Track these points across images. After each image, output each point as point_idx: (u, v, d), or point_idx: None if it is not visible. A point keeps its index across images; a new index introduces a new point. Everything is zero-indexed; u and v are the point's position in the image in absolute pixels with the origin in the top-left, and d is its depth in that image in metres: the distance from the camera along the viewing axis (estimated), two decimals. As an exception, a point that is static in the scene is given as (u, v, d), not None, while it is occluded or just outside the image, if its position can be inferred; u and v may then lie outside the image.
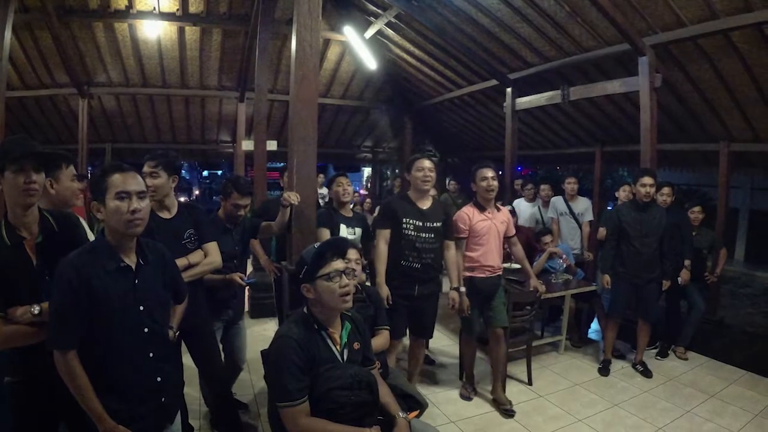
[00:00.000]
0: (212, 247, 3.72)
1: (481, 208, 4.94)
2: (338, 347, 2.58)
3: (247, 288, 4.81)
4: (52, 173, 2.86)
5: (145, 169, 3.49)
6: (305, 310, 2.61)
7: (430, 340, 5.21)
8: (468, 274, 4.89)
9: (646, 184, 5.59)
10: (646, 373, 5.69)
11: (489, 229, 4.88)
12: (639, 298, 5.73)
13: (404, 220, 4.45)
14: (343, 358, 2.57)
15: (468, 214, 4.92)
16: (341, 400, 2.42)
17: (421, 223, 4.47)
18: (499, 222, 4.98)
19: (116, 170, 2.33)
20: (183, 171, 29.12)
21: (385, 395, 2.70)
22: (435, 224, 4.54)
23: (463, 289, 4.72)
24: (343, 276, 2.54)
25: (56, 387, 2.23)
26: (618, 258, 5.82)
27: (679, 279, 6.04)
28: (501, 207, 5.17)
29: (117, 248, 2.33)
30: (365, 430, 2.42)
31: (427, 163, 4.53)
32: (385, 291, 4.31)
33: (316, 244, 2.63)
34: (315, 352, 2.46)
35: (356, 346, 2.68)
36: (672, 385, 5.39)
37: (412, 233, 4.45)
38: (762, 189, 17.26)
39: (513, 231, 5.20)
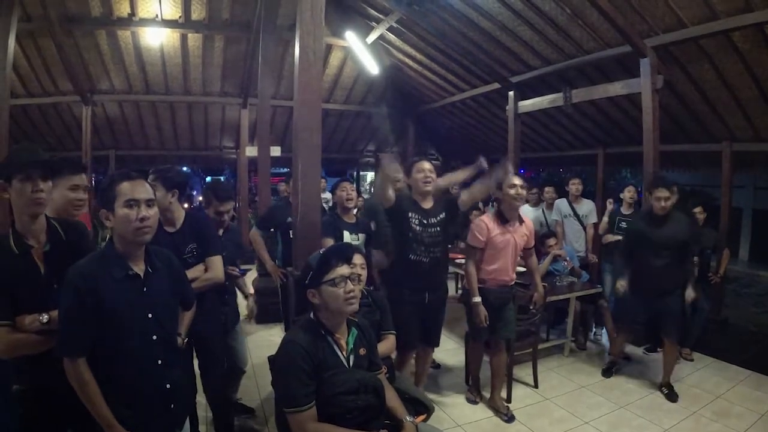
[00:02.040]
0: (215, 261, 3.66)
1: (503, 220, 4.76)
2: (344, 353, 2.59)
3: (248, 296, 4.86)
4: (53, 179, 2.91)
5: None
6: (311, 315, 2.63)
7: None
8: (479, 285, 4.75)
9: (661, 198, 5.08)
10: (671, 396, 5.16)
11: (507, 243, 4.74)
12: (657, 312, 5.32)
13: (410, 214, 4.39)
14: (349, 364, 2.58)
15: (487, 224, 4.73)
16: (347, 404, 2.43)
17: (425, 220, 4.41)
18: (520, 236, 4.83)
19: (125, 178, 2.36)
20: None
21: (392, 399, 2.71)
22: (439, 217, 4.47)
23: (478, 299, 4.65)
24: (349, 281, 2.56)
25: (64, 394, 2.23)
26: (630, 269, 5.49)
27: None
28: (525, 218, 5.00)
29: (126, 256, 2.35)
30: None
31: (426, 165, 4.49)
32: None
33: (321, 250, 2.64)
34: (321, 358, 2.47)
35: (362, 351, 2.69)
36: (677, 386, 5.37)
37: (418, 227, 4.37)
38: (765, 188, 17.23)
39: (532, 243, 5.06)
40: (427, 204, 4.51)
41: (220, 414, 4.13)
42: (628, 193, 6.84)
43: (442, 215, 4.49)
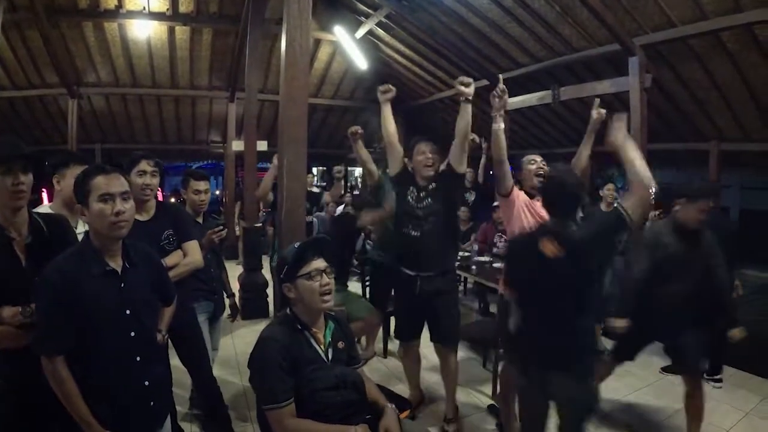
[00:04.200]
0: (192, 246, 3.67)
1: (533, 197, 4.13)
2: (322, 347, 2.57)
3: (231, 296, 4.83)
4: (59, 171, 3.00)
5: (146, 167, 3.50)
6: (288, 310, 2.62)
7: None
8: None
9: (704, 210, 3.88)
10: None
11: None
12: (677, 346, 4.11)
13: (410, 188, 4.25)
14: (327, 358, 2.56)
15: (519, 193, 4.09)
16: (327, 400, 2.42)
17: (420, 193, 4.21)
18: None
19: (99, 172, 2.32)
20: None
21: (373, 391, 2.71)
22: (430, 187, 4.20)
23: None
24: (324, 275, 2.54)
25: (47, 389, 2.20)
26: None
27: None
28: None
29: (102, 251, 2.31)
30: (351, 428, 2.42)
31: (429, 146, 4.28)
32: None
33: (296, 244, 2.61)
34: (299, 353, 2.45)
35: (341, 345, 2.67)
36: (662, 384, 5.39)
37: (413, 201, 4.20)
38: (752, 188, 17.32)
39: None
40: (425, 179, 4.26)
41: (213, 404, 4.09)
42: (608, 191, 6.71)
43: (434, 185, 4.22)
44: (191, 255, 3.62)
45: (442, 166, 4.33)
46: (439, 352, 4.40)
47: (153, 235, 3.47)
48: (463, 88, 4.12)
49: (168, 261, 3.42)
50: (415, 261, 4.17)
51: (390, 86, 4.34)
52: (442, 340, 4.35)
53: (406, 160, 4.49)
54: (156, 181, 3.56)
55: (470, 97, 4.20)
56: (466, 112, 4.24)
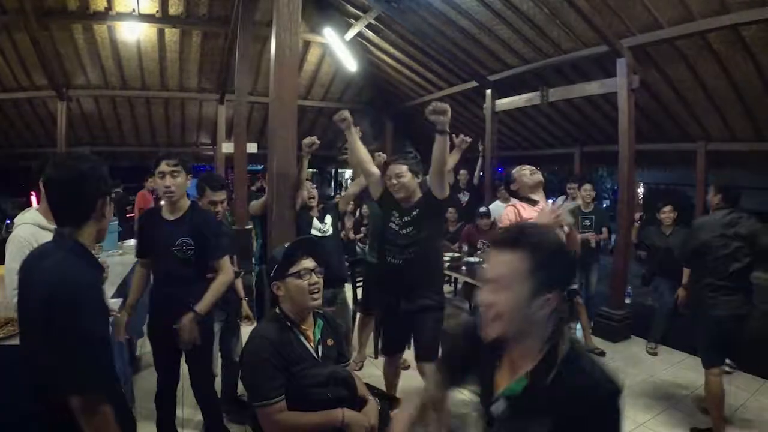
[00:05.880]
0: (224, 263, 3.65)
1: (532, 203, 4.19)
2: (312, 344, 2.61)
3: (242, 300, 4.82)
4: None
5: (165, 168, 3.46)
6: (277, 309, 2.65)
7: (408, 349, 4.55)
8: None
9: None
10: None
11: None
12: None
13: (393, 212, 4.10)
14: (318, 355, 2.60)
15: (516, 208, 4.15)
16: (318, 397, 2.46)
17: (402, 219, 4.06)
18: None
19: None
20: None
21: (361, 389, 2.75)
22: (413, 214, 4.03)
23: None
24: (313, 274, 2.58)
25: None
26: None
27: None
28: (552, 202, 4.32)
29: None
30: (337, 410, 2.46)
31: (396, 170, 4.04)
32: None
33: (287, 244, 2.64)
34: (289, 351, 2.48)
35: (330, 342, 2.71)
36: (653, 382, 5.43)
37: (396, 227, 4.06)
38: (739, 188, 17.42)
39: None
40: (407, 202, 4.10)
41: (211, 413, 4.07)
42: (584, 192, 6.80)
43: (416, 212, 4.04)
44: (224, 273, 3.62)
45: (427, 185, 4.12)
46: (420, 368, 4.26)
47: (170, 236, 3.46)
48: (439, 117, 3.73)
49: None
50: (398, 288, 4.09)
51: (346, 114, 4.07)
52: (422, 356, 4.20)
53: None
54: (178, 179, 3.49)
55: (446, 127, 3.80)
56: (441, 143, 3.86)
